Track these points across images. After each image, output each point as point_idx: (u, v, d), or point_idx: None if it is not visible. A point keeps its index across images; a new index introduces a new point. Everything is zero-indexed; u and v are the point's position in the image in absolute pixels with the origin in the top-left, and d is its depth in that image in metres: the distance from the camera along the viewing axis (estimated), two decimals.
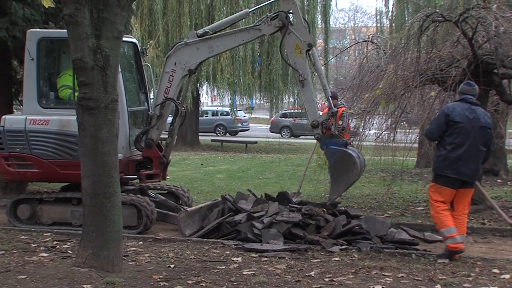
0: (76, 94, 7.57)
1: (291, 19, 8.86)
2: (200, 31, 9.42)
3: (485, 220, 10.22)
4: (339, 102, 12.17)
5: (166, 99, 9.42)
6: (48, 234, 8.89)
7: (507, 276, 6.66)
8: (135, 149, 9.74)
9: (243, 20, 15.20)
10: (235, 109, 31.11)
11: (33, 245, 8.17)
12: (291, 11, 8.86)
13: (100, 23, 6.59)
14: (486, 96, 10.90)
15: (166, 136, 9.96)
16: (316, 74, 9.08)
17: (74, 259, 7.06)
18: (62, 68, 9.83)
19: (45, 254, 7.66)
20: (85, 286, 6.15)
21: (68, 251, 7.87)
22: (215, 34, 9.34)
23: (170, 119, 9.92)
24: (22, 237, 8.70)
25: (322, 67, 8.95)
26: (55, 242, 8.37)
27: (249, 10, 10.51)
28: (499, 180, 15.32)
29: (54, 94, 9.74)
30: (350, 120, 12.50)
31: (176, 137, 10.56)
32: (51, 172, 9.42)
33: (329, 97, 8.84)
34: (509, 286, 6.28)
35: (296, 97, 28.09)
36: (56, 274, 6.56)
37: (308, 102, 8.94)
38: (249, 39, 9.61)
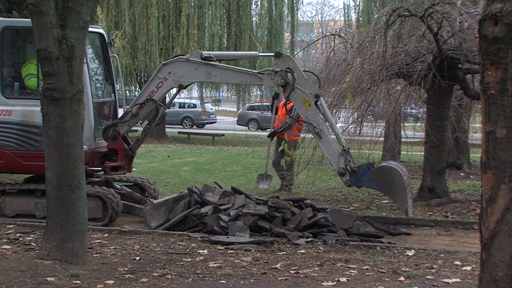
0: (41, 84, 7.47)
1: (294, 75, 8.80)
2: (205, 53, 9.29)
3: (448, 213, 10.37)
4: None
5: (147, 99, 9.33)
6: (11, 226, 8.77)
7: (469, 268, 6.78)
8: (100, 141, 9.65)
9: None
10: (204, 102, 30.99)
11: None
12: (289, 68, 8.80)
13: (65, 13, 6.50)
14: (450, 91, 11.05)
15: (141, 132, 9.88)
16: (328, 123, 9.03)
17: (37, 251, 6.98)
18: (27, 58, 9.68)
19: (7, 246, 7.55)
20: (48, 278, 6.08)
21: (32, 243, 7.78)
22: (218, 64, 9.25)
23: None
24: None
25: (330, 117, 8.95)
26: (18, 234, 8.26)
27: (259, 54, 10.62)
28: (462, 174, 15.56)
29: (18, 84, 9.58)
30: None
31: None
32: (13, 163, 9.29)
33: (343, 144, 8.84)
34: (470, 278, 6.38)
35: (263, 90, 28.13)
36: (19, 267, 6.47)
37: (329, 152, 8.84)
38: (248, 82, 9.86)
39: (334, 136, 9.02)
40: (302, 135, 12.10)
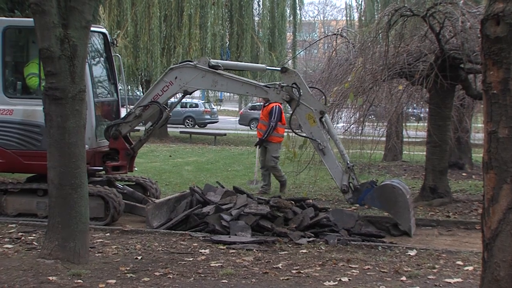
0: (43, 84, 7.47)
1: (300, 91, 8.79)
2: (213, 62, 9.28)
3: (450, 213, 10.36)
4: None
5: (151, 102, 9.32)
6: (13, 225, 8.78)
7: (471, 268, 6.77)
8: (102, 141, 9.65)
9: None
10: (207, 101, 30.95)
11: None
12: (295, 83, 8.80)
13: (67, 12, 6.50)
14: (452, 90, 11.04)
15: (143, 132, 9.88)
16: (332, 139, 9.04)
17: (39, 250, 6.98)
18: (30, 57, 9.69)
19: (9, 246, 7.56)
20: (50, 278, 6.09)
21: (34, 242, 7.78)
22: (225, 73, 9.24)
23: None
24: None
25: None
26: (20, 234, 8.27)
27: (266, 67, 10.70)
28: (464, 174, 15.55)
29: (20, 84, 9.59)
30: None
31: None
32: (14, 163, 9.30)
33: (347, 161, 8.85)
34: (472, 278, 6.37)
35: None
36: (21, 266, 6.49)
37: (332, 169, 8.87)
38: (253, 95, 9.95)
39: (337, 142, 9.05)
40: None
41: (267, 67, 10.69)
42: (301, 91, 8.78)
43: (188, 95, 9.88)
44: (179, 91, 9.39)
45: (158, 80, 9.50)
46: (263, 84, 9.38)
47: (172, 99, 11.50)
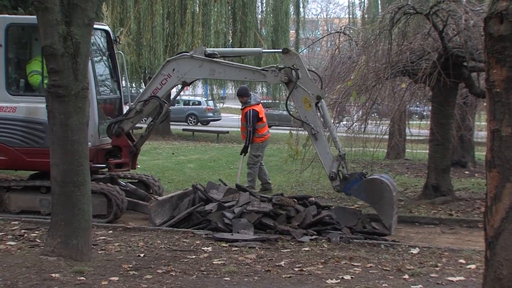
0: (46, 81, 7.48)
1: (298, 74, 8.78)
2: (209, 50, 9.30)
3: (452, 211, 10.35)
4: (250, 99, 12.03)
5: (151, 96, 9.33)
6: (16, 222, 8.79)
7: (473, 266, 6.77)
8: (105, 138, 9.66)
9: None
10: (211, 99, 30.92)
11: (0, 234, 8.07)
12: (295, 65, 8.79)
13: (70, 10, 6.50)
14: (455, 88, 11.02)
15: (145, 129, 9.88)
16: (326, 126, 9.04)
17: (42, 247, 6.99)
18: (33, 55, 9.70)
19: (12, 243, 7.57)
20: (53, 275, 6.09)
21: (36, 239, 7.80)
22: (222, 61, 9.25)
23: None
24: None
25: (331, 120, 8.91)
26: (23, 231, 8.29)
27: (263, 51, 10.59)
28: (466, 172, 15.53)
29: (23, 81, 9.61)
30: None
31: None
32: (17, 160, 9.32)
33: (339, 149, 8.87)
34: (474, 276, 6.37)
35: (268, 87, 28.08)
36: (24, 263, 6.49)
37: (323, 155, 8.86)
38: (251, 79, 9.78)
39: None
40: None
41: (263, 50, 10.63)
42: (300, 74, 8.77)
43: (187, 87, 9.83)
44: (177, 82, 9.39)
45: (156, 74, 9.51)
46: (260, 68, 9.35)
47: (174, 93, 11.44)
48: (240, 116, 12.59)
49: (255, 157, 12.18)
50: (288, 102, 9.55)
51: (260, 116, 12.14)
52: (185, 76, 9.23)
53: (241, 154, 12.48)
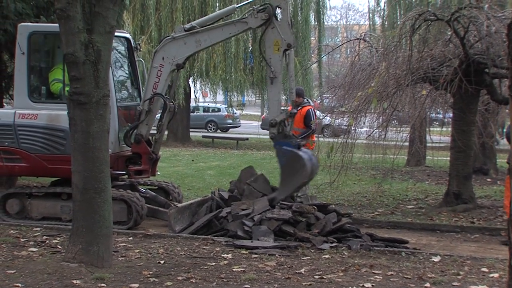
0: (67, 88, 7.54)
1: (278, 16, 8.82)
2: (187, 26, 9.43)
3: (474, 219, 10.26)
4: (305, 100, 11.91)
5: (154, 94, 9.40)
6: (38, 229, 8.85)
7: (496, 275, 6.69)
8: (125, 145, 9.70)
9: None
10: (231, 106, 30.91)
11: (22, 240, 8.13)
12: (280, 6, 8.81)
13: (92, 18, 6.57)
14: (477, 95, 10.95)
15: (155, 132, 9.93)
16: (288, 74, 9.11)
17: (63, 254, 7.03)
18: (55, 62, 9.79)
19: (34, 249, 7.62)
20: (74, 281, 6.13)
21: (58, 246, 7.84)
22: (202, 28, 9.32)
23: (158, 115, 9.90)
24: (11, 231, 8.65)
25: (293, 65, 8.97)
26: (44, 237, 8.34)
27: (237, 6, 10.49)
28: (488, 179, 15.39)
29: (45, 89, 9.69)
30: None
31: (166, 133, 10.52)
32: (39, 167, 9.40)
33: (293, 100, 9.07)
34: (497, 285, 6.30)
35: (287, 96, 27.99)
36: (45, 269, 6.54)
37: (272, 100, 9.00)
38: (236, 33, 9.63)
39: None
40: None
41: (237, 5, 10.54)
42: (281, 15, 8.77)
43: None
44: (171, 68, 9.41)
45: (150, 69, 9.57)
46: (239, 18, 9.35)
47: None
48: (295, 117, 11.99)
49: None
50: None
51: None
52: (176, 59, 9.31)
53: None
